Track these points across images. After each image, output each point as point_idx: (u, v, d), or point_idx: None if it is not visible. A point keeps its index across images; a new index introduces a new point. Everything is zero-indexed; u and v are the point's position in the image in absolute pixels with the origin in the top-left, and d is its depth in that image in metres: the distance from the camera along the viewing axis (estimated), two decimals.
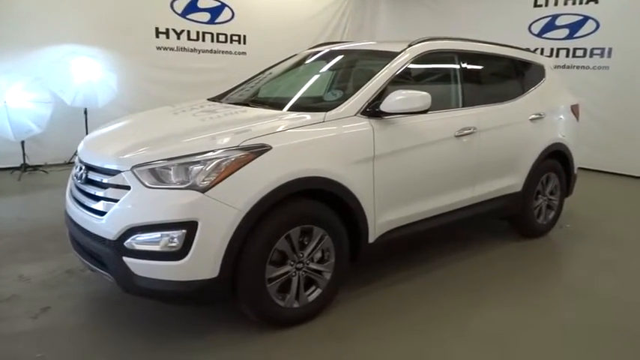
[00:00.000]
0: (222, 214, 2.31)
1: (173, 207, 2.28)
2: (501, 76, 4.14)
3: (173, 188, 2.32)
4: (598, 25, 6.89)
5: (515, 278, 3.47)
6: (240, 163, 2.37)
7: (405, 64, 3.19)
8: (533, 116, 3.99)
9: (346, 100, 2.92)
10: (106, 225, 2.38)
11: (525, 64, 4.21)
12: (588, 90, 6.74)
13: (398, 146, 2.99)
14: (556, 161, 4.26)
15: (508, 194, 3.87)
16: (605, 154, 6.90)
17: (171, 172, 2.35)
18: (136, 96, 6.82)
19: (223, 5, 7.59)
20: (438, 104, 3.26)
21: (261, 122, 2.71)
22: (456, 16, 8.28)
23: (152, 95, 6.88)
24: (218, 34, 7.60)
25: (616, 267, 3.73)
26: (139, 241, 2.31)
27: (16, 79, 5.67)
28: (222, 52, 7.69)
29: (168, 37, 7.17)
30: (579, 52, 7.10)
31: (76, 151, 2.92)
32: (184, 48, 7.33)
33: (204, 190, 2.29)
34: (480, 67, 3.88)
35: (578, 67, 7.12)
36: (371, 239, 2.92)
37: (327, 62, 3.89)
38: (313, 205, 2.64)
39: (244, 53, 7.86)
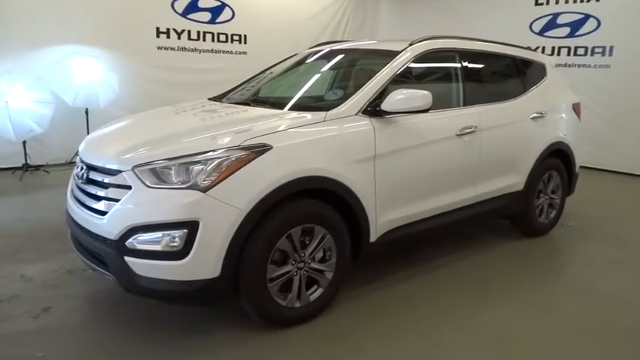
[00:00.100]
0: (223, 213, 2.31)
1: (174, 207, 2.28)
2: (502, 75, 4.14)
3: (174, 188, 2.32)
4: (599, 24, 6.87)
5: (517, 277, 3.46)
6: (241, 163, 2.37)
7: (406, 63, 3.18)
8: (534, 115, 3.98)
9: (347, 99, 2.92)
10: (108, 225, 2.38)
11: (526, 63, 4.21)
12: (590, 88, 6.72)
13: (399, 145, 2.98)
14: (557, 160, 4.25)
15: (509, 193, 3.86)
16: (606, 152, 6.89)
17: (172, 172, 2.35)
18: (137, 96, 6.82)
19: (224, 5, 7.59)
20: (440, 103, 3.25)
21: (262, 122, 2.71)
22: (457, 15, 8.27)
23: (153, 95, 6.89)
24: (219, 34, 7.60)
25: (618, 266, 3.73)
26: (141, 241, 2.31)
27: (17, 80, 5.68)
28: (223, 51, 7.69)
29: (168, 37, 7.18)
30: (580, 51, 7.09)
31: (78, 151, 2.92)
32: (185, 48, 7.33)
33: (205, 190, 2.29)
34: (481, 66, 3.87)
35: (579, 66, 7.10)
36: (372, 238, 2.92)
37: (328, 61, 3.89)
38: (314, 204, 2.64)
39: (245, 53, 7.86)
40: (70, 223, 2.77)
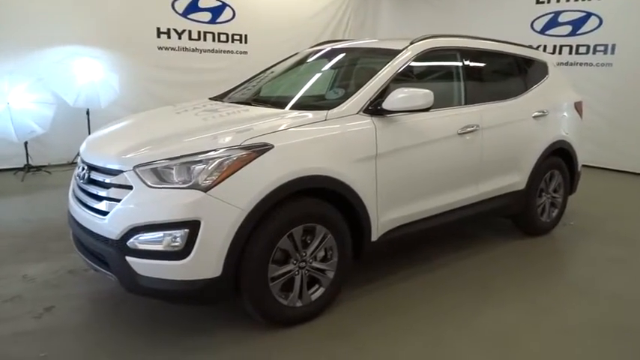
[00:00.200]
0: (224, 213, 2.31)
1: (175, 206, 2.28)
2: (504, 74, 4.13)
3: (175, 188, 2.32)
4: (601, 22, 6.85)
5: (519, 276, 3.46)
6: (242, 162, 2.37)
7: (407, 61, 3.18)
8: (536, 114, 3.97)
9: (348, 98, 2.91)
10: (109, 225, 2.38)
11: (528, 62, 4.20)
12: (592, 87, 6.71)
13: (400, 144, 2.98)
14: (559, 159, 4.24)
15: (511, 192, 3.86)
16: (609, 151, 6.88)
17: (174, 172, 2.35)
18: (138, 96, 6.83)
19: (224, 5, 7.59)
20: (441, 102, 3.25)
21: (263, 121, 2.70)
22: (459, 13, 8.26)
23: (154, 95, 6.90)
24: (219, 34, 7.60)
25: (620, 265, 3.72)
26: (142, 241, 2.31)
27: (18, 80, 5.69)
28: (224, 51, 7.69)
29: (169, 37, 7.18)
30: (582, 49, 7.07)
31: (79, 152, 2.92)
32: (186, 48, 7.33)
33: (206, 190, 2.29)
34: (482, 65, 3.86)
35: (581, 64, 7.08)
36: (374, 237, 2.91)
37: (329, 60, 3.89)
38: (316, 203, 2.63)
39: (245, 53, 7.86)
40: (72, 224, 2.77)
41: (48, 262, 3.45)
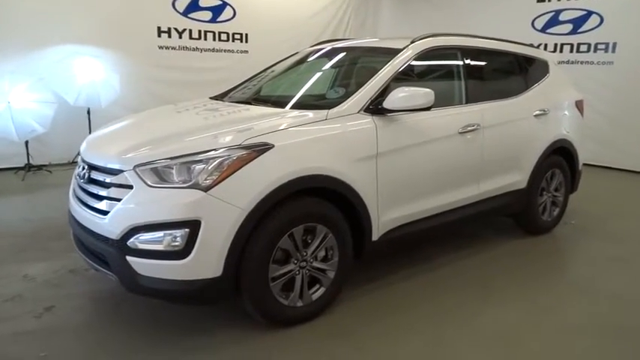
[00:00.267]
0: (224, 212, 2.30)
1: (176, 206, 2.28)
2: (505, 72, 4.12)
3: (175, 187, 2.32)
4: (602, 20, 6.84)
5: (519, 275, 3.45)
6: (242, 162, 2.36)
7: (408, 60, 3.17)
8: (537, 112, 3.96)
9: (349, 97, 2.91)
10: (109, 224, 2.38)
11: (529, 60, 4.19)
12: (593, 85, 6.70)
13: (401, 143, 2.97)
14: (561, 157, 4.23)
15: (512, 191, 3.85)
16: (610, 149, 6.87)
17: (174, 171, 2.34)
18: (139, 95, 6.83)
19: (225, 4, 7.58)
20: (442, 101, 3.24)
21: (263, 120, 2.70)
22: (459, 12, 8.25)
23: (155, 94, 6.89)
24: (220, 33, 7.60)
25: (621, 264, 3.71)
26: (142, 241, 2.31)
27: (19, 80, 5.69)
28: (224, 50, 7.68)
29: (170, 37, 7.17)
30: (583, 48, 7.06)
31: (79, 151, 2.92)
32: (186, 47, 7.33)
33: (206, 189, 2.28)
34: (483, 63, 3.86)
35: (582, 63, 7.07)
36: (374, 237, 2.91)
37: (330, 60, 3.88)
38: (316, 203, 2.63)
39: (246, 52, 7.86)
40: (72, 223, 2.77)
41: (48, 261, 3.44)
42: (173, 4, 7.13)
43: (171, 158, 2.36)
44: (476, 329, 2.72)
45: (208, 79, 7.18)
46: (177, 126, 2.94)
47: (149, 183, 2.33)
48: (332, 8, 8.72)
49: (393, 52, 3.19)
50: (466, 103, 3.50)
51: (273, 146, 2.45)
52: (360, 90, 2.94)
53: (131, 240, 2.31)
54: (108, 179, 2.47)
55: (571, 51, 7.17)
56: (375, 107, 2.88)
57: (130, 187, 2.36)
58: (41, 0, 6.05)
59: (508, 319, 2.84)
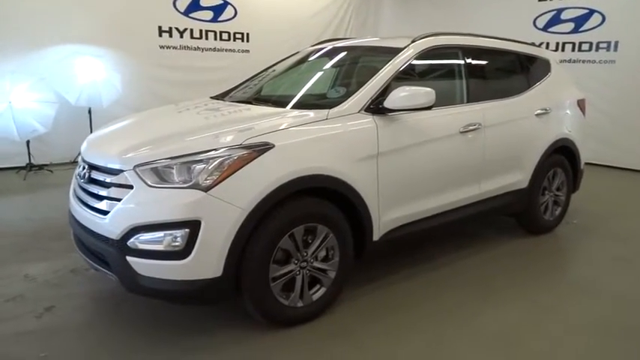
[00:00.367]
0: (225, 213, 2.30)
1: (176, 206, 2.27)
2: (506, 71, 4.11)
3: (176, 187, 2.31)
4: (604, 19, 6.82)
5: (521, 275, 3.44)
6: (242, 162, 2.36)
7: (409, 60, 3.16)
8: (538, 111, 3.95)
9: (349, 96, 2.90)
10: (109, 224, 2.38)
11: (530, 59, 4.17)
12: (595, 84, 6.68)
13: (402, 143, 2.96)
14: (562, 157, 4.22)
15: (514, 190, 3.84)
16: (612, 148, 6.84)
17: (174, 171, 2.34)
18: (140, 95, 6.84)
19: (226, 3, 7.57)
20: (443, 100, 3.23)
21: (264, 120, 2.69)
22: (461, 11, 8.23)
23: (156, 94, 6.89)
24: (221, 32, 7.59)
25: (624, 264, 3.70)
26: (142, 241, 2.30)
27: (20, 79, 5.69)
28: (226, 50, 7.68)
29: (171, 36, 7.17)
30: (585, 46, 7.04)
31: (80, 151, 2.92)
32: (187, 46, 7.33)
33: (206, 189, 2.28)
34: (484, 63, 3.85)
35: (584, 62, 7.05)
36: (375, 237, 2.90)
37: (330, 59, 3.87)
38: (317, 203, 2.62)
39: (247, 51, 7.85)
40: (73, 223, 2.77)
41: (49, 261, 3.45)
42: (174, 4, 7.13)
43: (171, 158, 2.36)
44: (476, 329, 2.71)
45: (209, 78, 7.17)
46: (177, 126, 2.93)
47: (149, 183, 2.33)
48: (333, 7, 8.72)
49: (393, 52, 3.18)
50: (467, 102, 3.49)
51: (273, 146, 2.45)
52: (360, 89, 2.93)
53: (131, 240, 2.31)
54: (108, 179, 2.47)
55: (573, 50, 7.15)
56: (376, 107, 2.88)
57: (130, 187, 2.36)
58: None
59: (509, 319, 2.83)
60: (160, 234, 2.28)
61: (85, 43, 6.39)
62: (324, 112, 2.76)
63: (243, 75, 4.18)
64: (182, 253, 2.27)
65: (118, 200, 2.38)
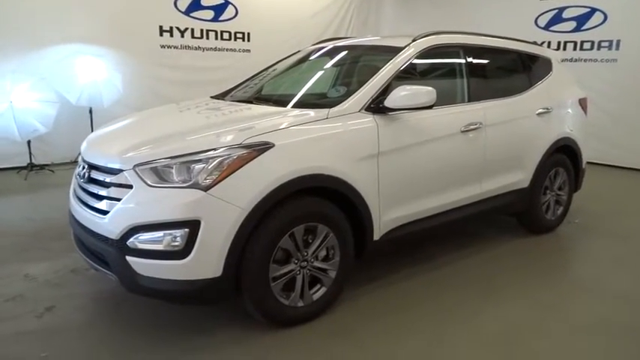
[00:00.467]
0: (224, 212, 2.29)
1: (175, 206, 2.27)
2: (508, 70, 4.09)
3: (175, 187, 2.31)
4: (606, 17, 6.80)
5: (523, 275, 3.43)
6: (242, 161, 2.35)
7: (410, 59, 3.15)
8: (540, 110, 3.93)
9: (350, 96, 2.89)
10: (109, 224, 2.37)
11: (532, 58, 4.16)
12: (596, 83, 6.66)
13: (403, 142, 2.95)
14: (564, 156, 4.20)
15: (515, 190, 3.83)
16: (614, 147, 6.82)
17: (174, 171, 2.33)
18: (141, 95, 6.84)
19: (227, 3, 7.57)
20: (444, 99, 3.22)
21: (264, 119, 2.68)
22: (462, 10, 8.22)
23: (157, 94, 6.89)
24: (222, 32, 7.59)
25: (626, 263, 3.68)
26: (142, 240, 2.30)
27: (21, 79, 5.69)
28: (227, 49, 7.68)
29: (172, 36, 7.17)
30: (587, 45, 7.02)
31: (80, 150, 2.92)
32: (188, 46, 7.33)
33: (206, 189, 2.27)
34: (485, 61, 3.83)
35: (585, 60, 7.03)
36: (376, 237, 2.89)
37: (331, 58, 3.86)
38: (317, 202, 2.61)
39: (248, 51, 7.85)
40: (73, 223, 2.76)
41: (50, 261, 3.44)
42: (175, 3, 7.13)
43: (171, 158, 2.35)
44: (477, 328, 2.71)
45: (210, 78, 7.17)
46: (178, 125, 2.93)
47: (149, 182, 2.32)
48: (334, 7, 8.71)
49: (394, 51, 3.17)
50: (468, 101, 3.47)
51: (273, 145, 2.44)
52: (361, 89, 2.92)
53: (131, 240, 2.30)
54: (108, 179, 2.46)
55: (574, 49, 7.13)
56: (377, 106, 2.87)
57: (130, 186, 2.35)
58: None
59: (510, 318, 2.82)
60: (159, 234, 2.27)
61: (85, 43, 6.39)
62: (324, 112, 2.75)
63: (244, 74, 4.18)
64: (182, 252, 2.27)
65: (118, 200, 2.37)
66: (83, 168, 2.67)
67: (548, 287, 3.25)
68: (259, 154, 2.39)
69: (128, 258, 2.32)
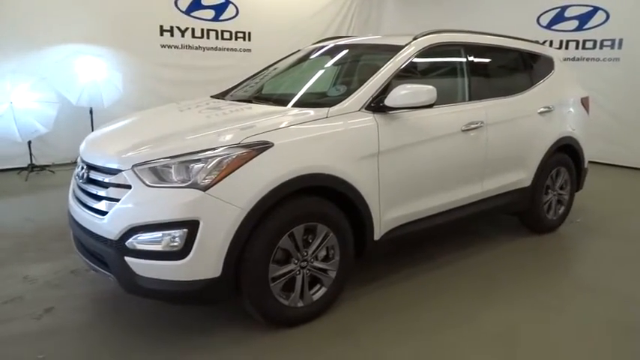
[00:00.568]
0: (223, 212, 2.28)
1: (174, 206, 2.25)
2: (509, 69, 4.07)
3: (174, 187, 2.29)
4: (608, 16, 6.77)
5: (524, 274, 3.41)
6: (241, 161, 2.33)
7: (410, 57, 3.13)
8: (542, 109, 3.91)
9: (350, 95, 2.87)
10: (108, 225, 2.36)
11: (534, 57, 4.14)
12: (599, 82, 6.63)
13: (403, 141, 2.93)
14: (566, 155, 4.18)
15: (517, 189, 3.80)
16: (616, 147, 6.80)
17: (172, 171, 2.32)
18: (142, 95, 6.82)
19: (227, 2, 7.56)
20: (445, 98, 3.21)
21: (264, 119, 2.67)
22: (464, 8, 8.19)
23: (157, 93, 6.87)
24: (222, 32, 7.58)
25: (628, 263, 3.66)
26: (141, 241, 2.28)
27: (21, 80, 5.69)
28: (227, 49, 7.66)
29: (172, 35, 7.16)
30: (589, 44, 6.99)
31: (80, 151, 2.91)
32: (189, 46, 7.32)
33: (205, 189, 2.26)
34: (487, 60, 3.81)
35: (588, 59, 7.01)
36: (376, 236, 2.87)
37: (332, 57, 3.85)
38: (317, 202, 2.60)
39: (249, 50, 7.83)
40: (72, 224, 2.75)
41: (50, 262, 3.43)
42: (175, 3, 7.12)
43: (169, 157, 2.34)
44: (478, 327, 2.69)
45: (211, 77, 7.15)
46: (177, 125, 2.91)
47: (147, 183, 2.31)
48: (335, 6, 8.69)
49: (395, 49, 3.15)
50: (469, 100, 3.46)
51: (272, 145, 2.42)
52: (361, 87, 2.90)
53: (129, 240, 2.29)
54: (106, 179, 2.45)
55: (577, 48, 7.10)
56: (377, 105, 2.85)
57: (129, 186, 2.34)
58: None
59: (511, 318, 2.80)
60: (158, 234, 2.26)
61: (85, 43, 6.39)
62: (324, 111, 2.74)
63: (244, 74, 4.16)
64: (181, 253, 2.25)
65: (117, 200, 2.36)
66: (82, 168, 2.66)
67: (549, 287, 3.23)
68: (258, 154, 2.38)
69: (127, 259, 2.31)
